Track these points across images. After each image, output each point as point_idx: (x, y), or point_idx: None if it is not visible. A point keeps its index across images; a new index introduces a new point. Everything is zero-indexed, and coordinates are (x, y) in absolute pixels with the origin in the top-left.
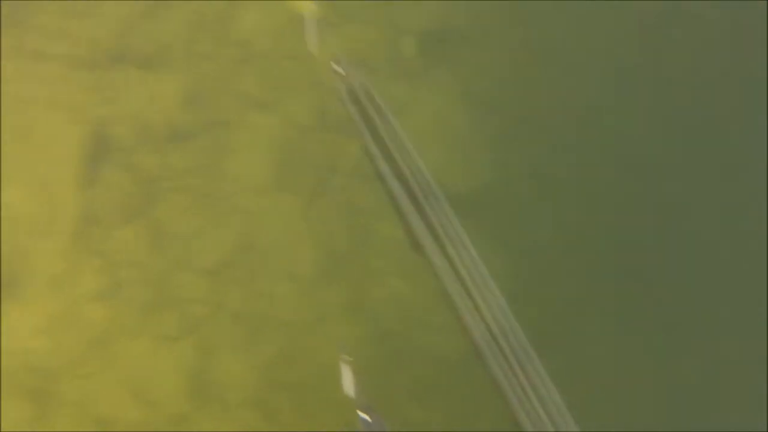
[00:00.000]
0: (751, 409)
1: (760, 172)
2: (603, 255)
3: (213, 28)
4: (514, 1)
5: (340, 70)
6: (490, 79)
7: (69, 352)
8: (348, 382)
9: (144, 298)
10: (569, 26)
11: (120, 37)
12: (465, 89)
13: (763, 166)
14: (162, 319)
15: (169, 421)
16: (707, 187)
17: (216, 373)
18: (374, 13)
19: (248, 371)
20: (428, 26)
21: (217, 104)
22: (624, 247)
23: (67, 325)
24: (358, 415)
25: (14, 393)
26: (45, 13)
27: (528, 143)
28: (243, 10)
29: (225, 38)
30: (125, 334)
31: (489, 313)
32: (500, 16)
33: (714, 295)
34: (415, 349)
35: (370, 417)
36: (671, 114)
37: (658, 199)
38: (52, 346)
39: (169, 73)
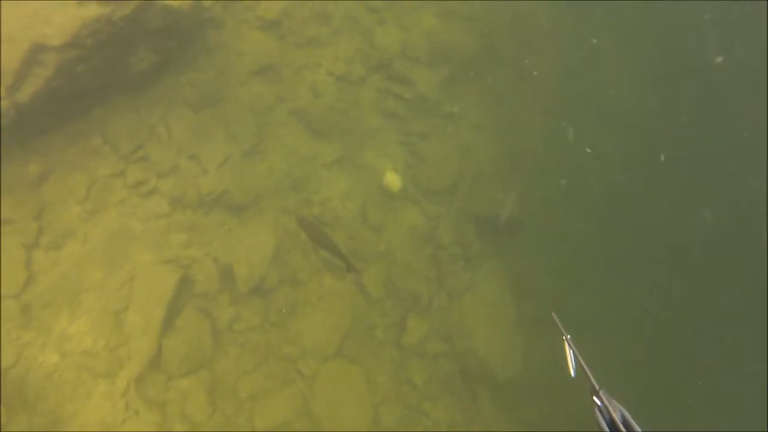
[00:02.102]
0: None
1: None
2: None
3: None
4: None
5: (599, 402)
6: None
7: None
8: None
9: None
10: None
11: (219, 181)
12: None
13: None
14: None
15: None
16: None
17: None
18: None
19: None
20: None
21: (301, 267)
22: None
23: None
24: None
25: None
26: (159, 145)
27: None
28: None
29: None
30: None
31: None
32: None
33: (714, 295)
34: None
35: (602, 400)
36: None
37: None
38: None
39: (261, 225)
